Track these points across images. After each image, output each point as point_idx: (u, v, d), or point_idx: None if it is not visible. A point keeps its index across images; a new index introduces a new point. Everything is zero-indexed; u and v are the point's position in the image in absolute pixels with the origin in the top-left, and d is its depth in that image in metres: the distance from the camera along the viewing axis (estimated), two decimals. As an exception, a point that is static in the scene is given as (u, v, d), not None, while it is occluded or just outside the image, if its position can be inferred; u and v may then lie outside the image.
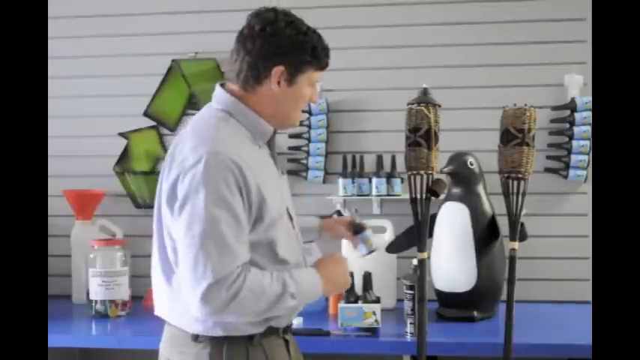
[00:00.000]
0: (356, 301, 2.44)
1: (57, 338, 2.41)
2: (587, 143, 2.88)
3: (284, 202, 1.85)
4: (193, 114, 3.07)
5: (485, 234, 2.57)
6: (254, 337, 1.80)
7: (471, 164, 2.62)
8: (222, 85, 1.84)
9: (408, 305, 2.37)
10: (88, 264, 2.78)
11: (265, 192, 1.73)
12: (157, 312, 1.87)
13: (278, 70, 1.77)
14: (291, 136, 3.03)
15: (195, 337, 1.77)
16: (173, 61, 3.12)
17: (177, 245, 1.71)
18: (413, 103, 2.09)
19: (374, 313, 2.38)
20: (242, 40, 1.81)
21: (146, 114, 3.15)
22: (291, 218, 1.86)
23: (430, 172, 2.07)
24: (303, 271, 1.83)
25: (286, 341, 1.92)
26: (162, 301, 1.84)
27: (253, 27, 1.80)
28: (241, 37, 1.82)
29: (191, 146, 1.71)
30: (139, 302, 2.91)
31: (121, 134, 3.16)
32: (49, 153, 2.85)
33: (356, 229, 2.09)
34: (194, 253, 1.64)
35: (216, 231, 1.64)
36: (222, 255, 1.64)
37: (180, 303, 1.75)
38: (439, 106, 2.08)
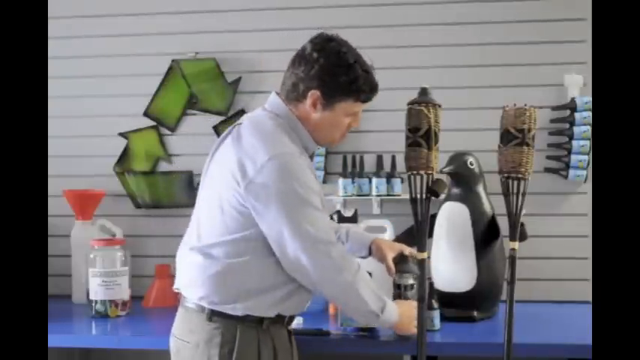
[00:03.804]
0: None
1: (57, 338, 2.40)
2: (587, 143, 2.88)
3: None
4: (194, 114, 3.12)
5: (485, 234, 2.57)
6: (263, 322, 1.92)
7: (471, 164, 2.62)
8: (278, 94, 2.02)
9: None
10: (88, 264, 2.78)
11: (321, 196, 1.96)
12: (177, 286, 2.01)
13: (314, 94, 1.93)
14: (291, 136, 3.03)
15: (210, 317, 1.90)
16: (173, 61, 3.12)
17: (280, 235, 1.86)
18: (413, 103, 2.09)
19: (374, 313, 2.38)
20: (295, 57, 1.99)
21: (146, 114, 3.15)
22: None
23: (430, 172, 2.07)
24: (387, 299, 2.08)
25: (289, 332, 2.04)
26: (191, 276, 1.95)
27: (305, 49, 1.97)
28: (296, 55, 2.00)
29: (262, 145, 1.87)
30: (139, 302, 2.91)
31: (121, 134, 3.16)
32: (49, 153, 2.86)
33: (400, 262, 2.28)
34: (300, 230, 1.84)
35: (315, 208, 1.87)
36: (324, 228, 1.89)
37: (205, 278, 1.90)
38: (439, 106, 2.08)
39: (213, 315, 1.91)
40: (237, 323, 1.90)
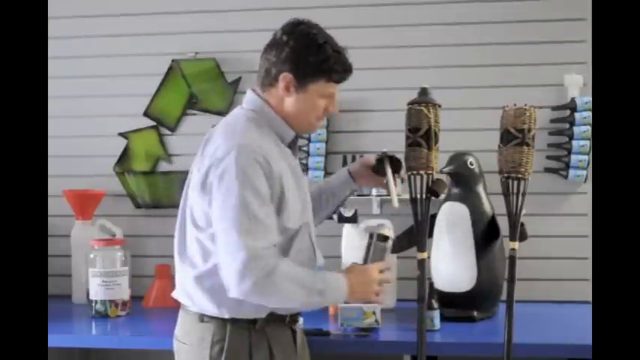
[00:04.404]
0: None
1: (57, 338, 2.40)
2: (587, 143, 2.88)
3: (307, 201, 2.00)
4: (194, 114, 3.12)
5: (485, 234, 2.57)
6: (257, 322, 1.90)
7: (471, 164, 2.62)
8: (253, 90, 2.00)
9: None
10: (88, 264, 2.78)
11: (286, 187, 1.88)
12: (174, 294, 2.02)
13: (286, 77, 1.91)
14: (291, 136, 3.03)
15: (201, 318, 1.91)
16: (173, 61, 3.12)
17: (215, 228, 1.84)
18: (413, 103, 2.09)
19: (374, 313, 2.38)
20: (266, 46, 1.97)
21: (146, 114, 3.15)
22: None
23: (430, 172, 2.08)
24: (331, 274, 1.97)
25: (294, 332, 2.00)
26: (178, 282, 1.99)
27: (275, 35, 1.96)
28: (267, 43, 1.98)
29: (222, 139, 1.87)
30: (139, 302, 2.91)
31: (121, 134, 3.16)
32: (49, 153, 2.86)
33: (381, 160, 2.15)
34: (229, 234, 1.78)
35: (249, 213, 1.78)
36: (255, 233, 1.78)
37: (190, 283, 1.92)
38: (439, 106, 2.08)
39: (205, 316, 1.91)
40: (228, 323, 1.89)
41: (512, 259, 2.13)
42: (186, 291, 1.95)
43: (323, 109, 1.97)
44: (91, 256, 2.76)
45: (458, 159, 2.62)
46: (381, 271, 2.01)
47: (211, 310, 1.90)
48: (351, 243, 2.73)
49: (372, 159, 2.20)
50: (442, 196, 2.35)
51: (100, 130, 3.16)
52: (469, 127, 2.91)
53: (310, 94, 1.93)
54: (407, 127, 2.09)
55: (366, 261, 2.07)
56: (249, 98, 2.00)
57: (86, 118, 3.18)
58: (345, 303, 2.11)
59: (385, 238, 2.07)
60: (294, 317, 2.01)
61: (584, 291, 2.84)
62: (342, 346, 2.34)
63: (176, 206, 3.07)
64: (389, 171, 2.16)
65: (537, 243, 2.79)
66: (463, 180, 2.62)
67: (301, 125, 1.98)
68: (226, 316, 1.89)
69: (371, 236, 2.09)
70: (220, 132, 1.92)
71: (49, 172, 2.94)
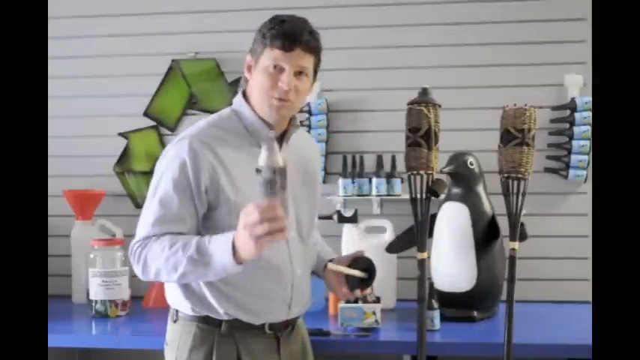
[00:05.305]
0: (356, 301, 2.44)
1: (57, 338, 2.41)
2: (587, 143, 2.88)
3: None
4: (193, 114, 3.12)
5: (485, 234, 2.57)
6: (222, 326, 1.86)
7: (471, 164, 2.62)
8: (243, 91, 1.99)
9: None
10: (88, 264, 2.78)
11: (225, 180, 1.82)
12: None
13: (246, 60, 1.92)
14: (291, 136, 3.02)
15: (174, 319, 1.92)
16: (173, 61, 3.12)
17: None
18: (413, 103, 2.09)
19: (374, 313, 2.38)
20: None
21: (146, 114, 3.16)
22: None
23: (430, 172, 2.07)
24: (220, 235, 1.74)
25: (277, 339, 1.93)
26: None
27: None
28: None
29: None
30: (139, 302, 2.91)
31: (121, 134, 3.16)
32: (49, 153, 2.86)
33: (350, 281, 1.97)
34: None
35: (151, 207, 1.85)
36: (148, 226, 1.83)
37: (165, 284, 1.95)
38: (439, 106, 2.08)
39: (176, 316, 1.92)
40: (195, 325, 1.87)
41: (512, 259, 2.13)
42: (165, 288, 1.97)
43: (275, 83, 1.83)
44: (91, 256, 2.76)
45: (458, 159, 2.62)
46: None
47: (179, 302, 1.89)
48: (351, 243, 2.73)
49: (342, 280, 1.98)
50: (442, 196, 2.35)
51: (100, 130, 3.16)
52: (469, 127, 2.91)
53: (261, 66, 1.86)
54: (407, 127, 2.09)
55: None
56: (235, 98, 1.99)
57: (86, 118, 3.18)
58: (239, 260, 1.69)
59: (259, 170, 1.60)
60: (275, 325, 1.90)
61: (584, 291, 2.84)
62: (342, 346, 2.34)
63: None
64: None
65: (537, 243, 2.80)
66: (463, 180, 2.62)
67: (264, 107, 1.87)
68: (189, 311, 1.87)
69: (257, 171, 1.62)
70: None
71: (49, 172, 2.93)
